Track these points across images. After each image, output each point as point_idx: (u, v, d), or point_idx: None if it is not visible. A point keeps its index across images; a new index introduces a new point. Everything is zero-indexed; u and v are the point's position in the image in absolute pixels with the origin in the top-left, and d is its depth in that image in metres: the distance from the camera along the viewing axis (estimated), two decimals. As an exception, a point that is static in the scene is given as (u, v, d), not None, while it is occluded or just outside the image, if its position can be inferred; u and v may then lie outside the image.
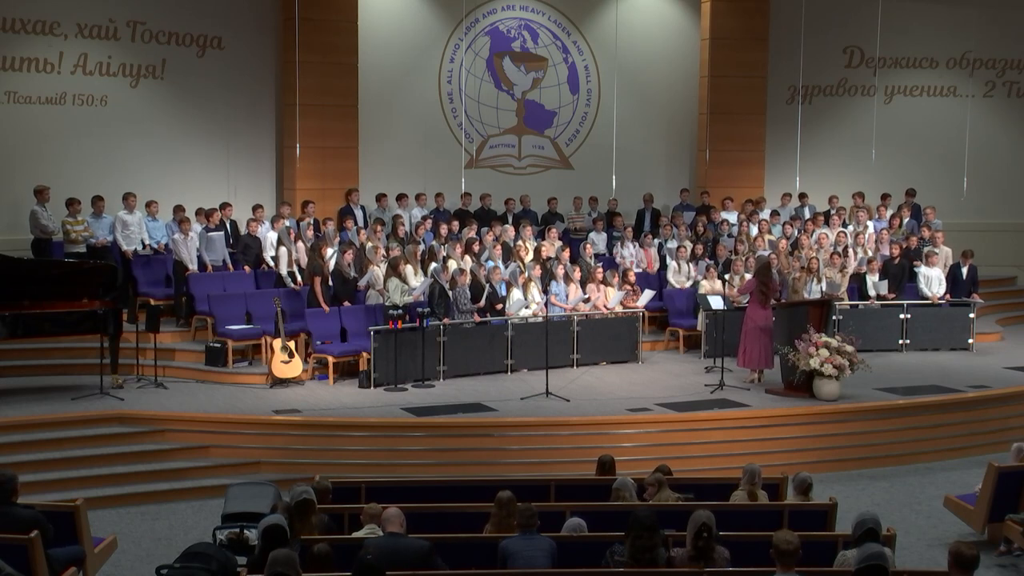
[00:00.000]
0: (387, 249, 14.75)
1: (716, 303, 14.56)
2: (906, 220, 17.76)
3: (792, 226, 17.07)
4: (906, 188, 18.63)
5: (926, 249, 16.40)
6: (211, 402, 12.42)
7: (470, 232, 15.90)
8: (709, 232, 17.08)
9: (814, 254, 15.80)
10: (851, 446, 12.34)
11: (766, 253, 15.63)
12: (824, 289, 14.83)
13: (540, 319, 14.12)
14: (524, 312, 14.41)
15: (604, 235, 17.23)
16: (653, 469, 8.84)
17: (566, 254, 15.55)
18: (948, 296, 16.01)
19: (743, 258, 15.66)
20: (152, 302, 13.95)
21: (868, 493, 11.28)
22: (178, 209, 15.01)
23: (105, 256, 14.24)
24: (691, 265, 16.23)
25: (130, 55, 15.86)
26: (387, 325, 13.31)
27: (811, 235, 16.49)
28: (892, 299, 15.85)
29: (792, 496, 8.90)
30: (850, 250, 16.40)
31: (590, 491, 8.98)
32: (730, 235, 16.89)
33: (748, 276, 14.30)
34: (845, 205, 18.12)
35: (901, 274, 16.12)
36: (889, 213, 17.92)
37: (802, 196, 18.44)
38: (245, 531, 8.26)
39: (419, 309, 13.43)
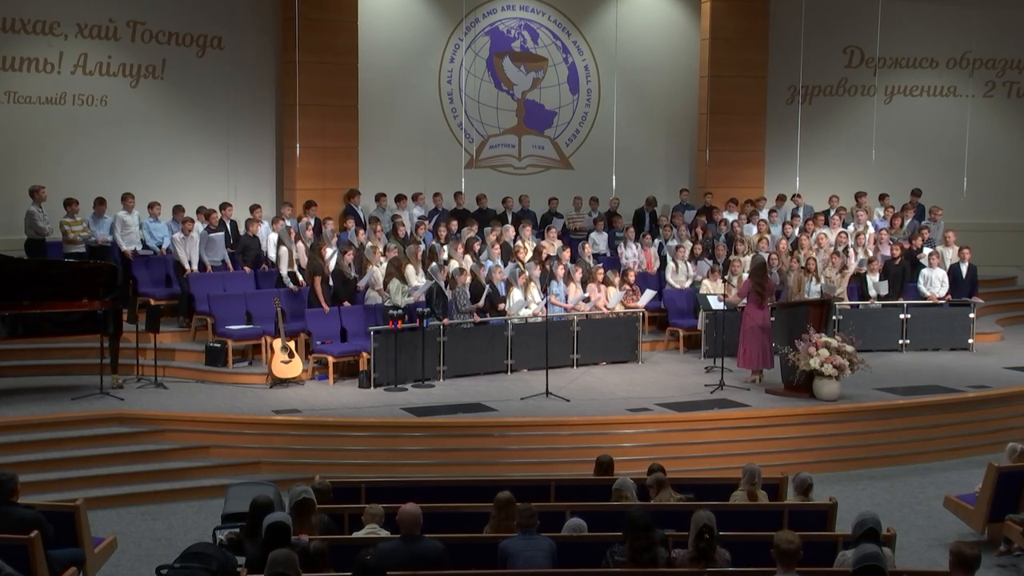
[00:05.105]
0: (385, 249, 14.74)
1: (716, 303, 14.56)
2: (907, 221, 17.76)
3: (792, 226, 17.07)
4: (907, 188, 18.66)
5: (929, 251, 16.39)
6: (211, 402, 12.42)
7: (470, 232, 15.90)
8: (709, 232, 17.08)
9: (813, 254, 15.80)
10: (851, 446, 12.34)
11: (764, 254, 15.64)
12: (822, 289, 14.82)
13: (540, 319, 14.12)
14: (524, 312, 14.41)
15: (605, 235, 17.23)
16: (647, 470, 8.85)
17: (567, 254, 15.56)
18: (949, 296, 16.01)
19: (742, 257, 15.65)
20: (152, 302, 13.94)
21: (868, 493, 11.28)
22: (178, 209, 15.01)
23: (105, 256, 14.24)
24: (690, 265, 16.23)
25: (130, 55, 15.85)
26: (387, 325, 13.31)
27: (811, 235, 16.49)
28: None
29: (792, 496, 8.90)
30: (850, 250, 16.40)
31: (590, 491, 8.98)
32: (726, 236, 16.87)
33: (746, 277, 14.30)
34: (846, 205, 18.12)
35: (902, 275, 16.11)
36: (892, 212, 17.91)
37: (795, 197, 18.42)
38: (244, 529, 8.23)
39: (419, 309, 13.43)
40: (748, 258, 15.49)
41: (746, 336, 13.50)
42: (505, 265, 15.23)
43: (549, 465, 11.41)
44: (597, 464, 9.34)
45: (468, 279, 14.29)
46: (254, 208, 15.29)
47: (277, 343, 13.11)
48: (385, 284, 14.04)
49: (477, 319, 14.15)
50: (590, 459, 9.74)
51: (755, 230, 16.78)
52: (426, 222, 15.98)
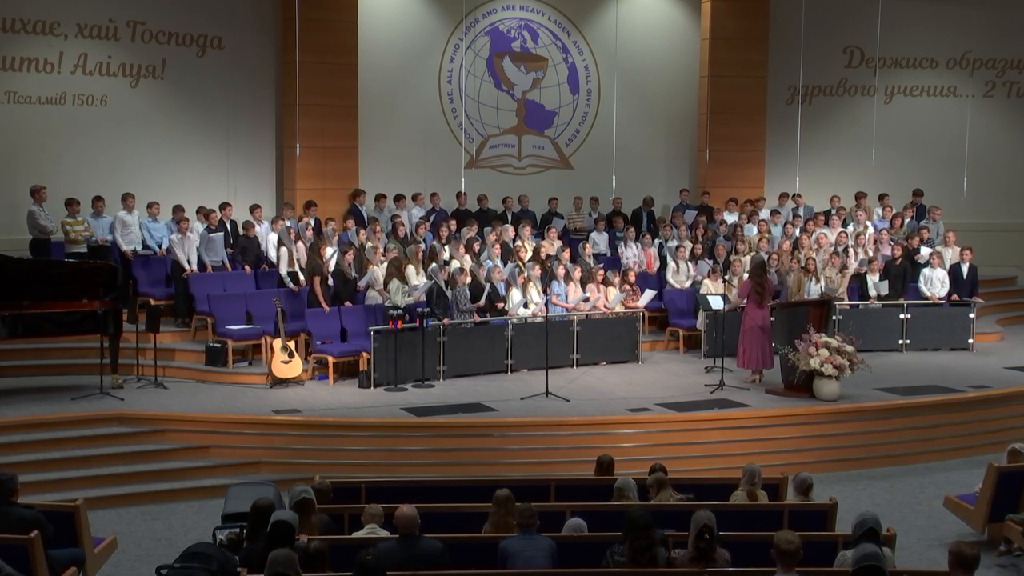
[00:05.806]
0: (385, 249, 14.74)
1: (716, 303, 14.56)
2: (907, 221, 17.75)
3: (793, 226, 17.07)
4: (907, 188, 18.67)
5: (930, 252, 16.38)
6: (211, 402, 12.42)
7: (470, 232, 15.91)
8: (710, 232, 17.07)
9: (812, 254, 15.80)
10: (851, 446, 12.34)
11: (763, 254, 15.63)
12: (822, 289, 14.82)
13: (540, 319, 14.12)
14: (523, 312, 14.41)
15: (605, 235, 17.23)
16: (648, 470, 8.85)
17: (566, 254, 15.56)
18: (956, 296, 15.99)
19: (743, 257, 15.65)
20: (152, 302, 13.94)
21: (868, 493, 11.28)
22: (178, 209, 15.01)
23: (106, 256, 14.24)
24: (690, 265, 16.23)
25: (130, 55, 15.85)
26: (387, 325, 13.31)
27: (811, 235, 16.48)
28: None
29: (792, 496, 8.90)
30: (850, 250, 16.40)
31: (590, 491, 8.98)
32: (726, 237, 16.87)
33: (746, 277, 14.29)
34: (846, 205, 18.11)
35: (902, 275, 16.11)
36: (892, 212, 17.91)
37: (795, 197, 18.42)
38: (245, 531, 8.24)
39: (419, 309, 13.43)
40: (748, 258, 15.49)
41: (746, 336, 13.50)
42: (505, 265, 15.22)
43: (549, 465, 11.41)
44: (597, 464, 9.34)
45: (468, 279, 14.29)
46: (253, 208, 15.30)
47: (277, 343, 13.10)
48: (385, 284, 14.05)
49: (477, 319, 14.15)
50: (590, 459, 9.75)
51: (755, 230, 16.78)
52: (426, 223, 15.98)
